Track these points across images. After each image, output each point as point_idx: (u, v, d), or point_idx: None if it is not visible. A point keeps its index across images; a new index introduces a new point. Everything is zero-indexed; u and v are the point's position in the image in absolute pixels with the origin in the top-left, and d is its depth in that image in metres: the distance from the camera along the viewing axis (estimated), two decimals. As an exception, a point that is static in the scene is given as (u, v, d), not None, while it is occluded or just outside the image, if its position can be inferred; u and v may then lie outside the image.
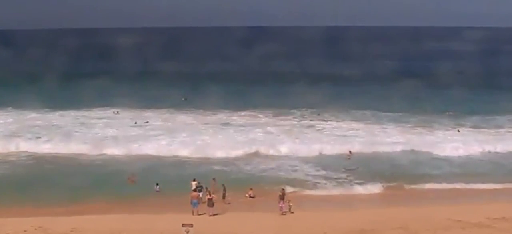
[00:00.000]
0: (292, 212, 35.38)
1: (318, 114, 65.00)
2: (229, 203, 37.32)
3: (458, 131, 57.97)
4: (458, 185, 42.44)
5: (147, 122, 60.17)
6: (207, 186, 38.12)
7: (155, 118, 63.01)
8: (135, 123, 60.08)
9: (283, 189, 37.05)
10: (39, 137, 54.73)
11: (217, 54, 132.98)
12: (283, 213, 35.29)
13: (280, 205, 35.50)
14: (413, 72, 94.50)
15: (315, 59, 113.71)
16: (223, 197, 38.06)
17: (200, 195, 36.76)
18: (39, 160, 47.88)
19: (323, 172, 45.20)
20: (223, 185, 37.63)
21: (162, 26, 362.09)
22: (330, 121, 62.56)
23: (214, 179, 40.34)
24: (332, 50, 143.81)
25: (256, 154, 49.98)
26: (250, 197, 39.31)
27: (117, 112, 65.13)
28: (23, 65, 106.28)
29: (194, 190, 37.09)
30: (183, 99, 73.17)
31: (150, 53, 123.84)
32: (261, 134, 56.76)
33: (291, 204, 35.65)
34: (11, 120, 61.97)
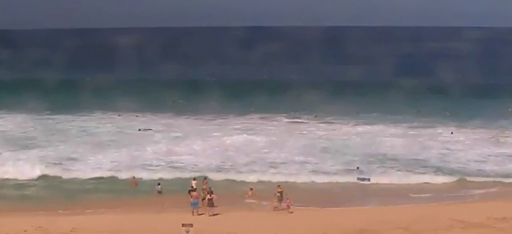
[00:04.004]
0: (291, 212, 35.39)
1: (315, 116, 64.95)
2: (217, 206, 36.79)
3: (452, 133, 57.85)
4: (457, 186, 42.46)
5: (150, 129, 59.87)
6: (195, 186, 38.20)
7: (157, 122, 62.74)
8: (139, 129, 59.76)
9: (279, 186, 37.22)
10: (39, 140, 54.58)
11: (217, 56, 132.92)
12: (281, 210, 35.41)
13: (284, 204, 35.63)
14: (413, 73, 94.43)
15: (315, 61, 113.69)
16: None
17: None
18: (39, 163, 47.48)
19: (324, 174, 44.95)
20: (210, 188, 37.49)
21: (162, 26, 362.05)
22: (330, 123, 62.45)
23: (205, 178, 40.44)
24: (332, 51, 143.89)
25: (258, 157, 49.61)
26: (250, 197, 39.34)
27: (137, 116, 65.04)
28: (21, 67, 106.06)
29: (194, 190, 37.08)
30: (179, 101, 73.27)
31: (150, 55, 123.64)
32: (261, 136, 56.65)
33: (289, 204, 35.72)
34: (9, 123, 61.60)
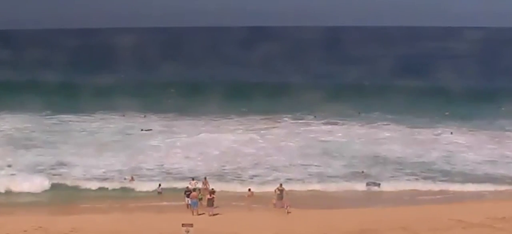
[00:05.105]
0: (289, 212, 35.36)
1: (315, 117, 64.90)
2: (216, 207, 36.95)
3: (452, 133, 57.87)
4: (456, 186, 42.44)
5: (150, 130, 59.90)
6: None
7: (158, 123, 62.58)
8: (141, 130, 59.76)
9: (280, 185, 37.28)
10: (39, 141, 54.48)
11: (217, 56, 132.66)
12: (280, 208, 35.43)
13: (283, 205, 35.61)
14: (412, 73, 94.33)
15: (316, 61, 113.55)
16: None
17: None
18: (39, 163, 47.38)
19: (328, 177, 44.55)
20: (212, 189, 37.59)
21: (162, 26, 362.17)
22: (331, 124, 62.31)
23: (205, 178, 40.64)
24: (332, 51, 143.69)
25: (259, 158, 49.48)
26: (250, 197, 39.38)
27: (144, 116, 65.17)
28: (21, 67, 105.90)
29: (194, 190, 37.16)
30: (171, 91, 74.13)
31: (151, 55, 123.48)
32: (261, 137, 56.64)
33: (288, 205, 35.68)
34: (9, 124, 61.47)
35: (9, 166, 46.41)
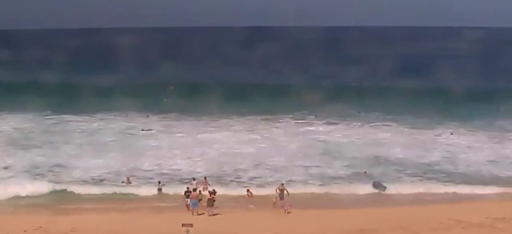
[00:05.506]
0: (289, 212, 35.35)
1: (316, 117, 64.81)
2: (216, 207, 37.04)
3: (452, 134, 57.87)
4: (457, 186, 42.40)
5: (151, 130, 59.90)
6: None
7: (159, 123, 62.47)
8: (142, 130, 59.74)
9: (282, 184, 37.27)
10: (39, 141, 54.31)
11: (217, 56, 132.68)
12: (280, 208, 35.40)
13: (283, 205, 35.59)
14: (412, 73, 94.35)
15: (316, 61, 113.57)
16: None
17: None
18: (39, 164, 47.26)
19: (329, 178, 44.27)
20: (213, 189, 37.65)
21: (162, 26, 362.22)
22: (331, 124, 62.22)
23: (205, 178, 40.76)
24: (332, 51, 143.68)
25: (259, 159, 49.27)
26: (249, 197, 39.39)
27: (147, 115, 65.28)
28: (21, 67, 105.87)
29: (194, 190, 37.20)
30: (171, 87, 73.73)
31: (151, 55, 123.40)
32: (262, 138, 56.55)
33: (289, 206, 35.68)
34: (9, 124, 61.36)
35: (9, 166, 46.34)
